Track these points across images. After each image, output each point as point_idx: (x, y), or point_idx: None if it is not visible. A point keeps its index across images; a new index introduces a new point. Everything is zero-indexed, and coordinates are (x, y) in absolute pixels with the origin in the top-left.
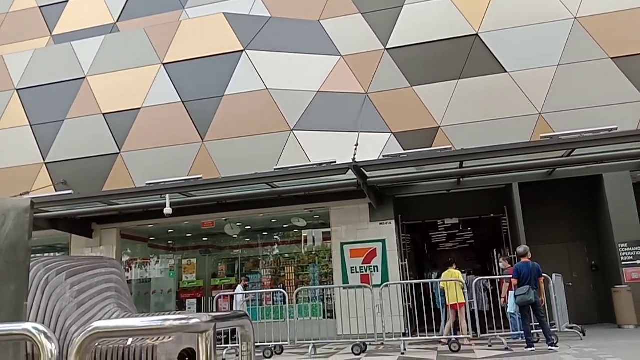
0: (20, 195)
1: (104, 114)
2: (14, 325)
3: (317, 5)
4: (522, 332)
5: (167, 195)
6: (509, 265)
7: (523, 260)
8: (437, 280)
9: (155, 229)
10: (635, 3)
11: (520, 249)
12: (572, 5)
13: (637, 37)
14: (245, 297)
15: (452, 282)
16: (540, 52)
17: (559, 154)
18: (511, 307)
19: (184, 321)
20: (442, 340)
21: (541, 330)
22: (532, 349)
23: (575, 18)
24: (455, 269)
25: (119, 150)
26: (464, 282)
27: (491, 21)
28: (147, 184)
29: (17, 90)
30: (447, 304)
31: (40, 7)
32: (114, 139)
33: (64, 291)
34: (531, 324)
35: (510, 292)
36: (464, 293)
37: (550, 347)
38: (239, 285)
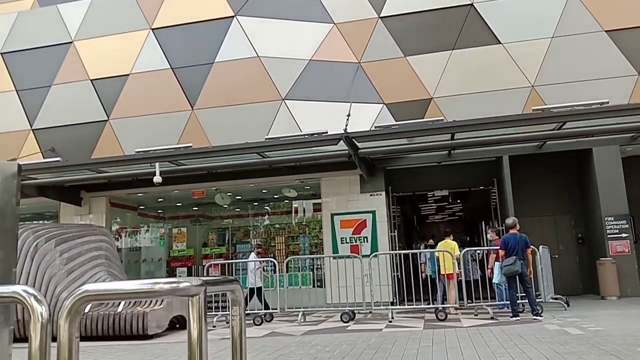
0: (7, 161)
1: (91, 80)
2: (3, 287)
3: None
4: (508, 302)
5: (157, 164)
6: (497, 237)
7: (511, 231)
8: (424, 250)
9: (145, 197)
10: None
11: (509, 221)
12: None
13: (632, 11)
14: (257, 265)
15: (446, 253)
16: (534, 24)
17: (550, 127)
18: (497, 278)
19: (174, 284)
20: (438, 308)
21: (526, 300)
22: (517, 318)
23: None
24: (452, 240)
25: (108, 117)
26: (459, 253)
27: None
28: (136, 151)
29: (1, 54)
30: (442, 273)
31: None
32: (102, 105)
33: (53, 258)
34: (517, 294)
35: (496, 262)
36: (453, 264)
37: (535, 317)
38: (252, 253)
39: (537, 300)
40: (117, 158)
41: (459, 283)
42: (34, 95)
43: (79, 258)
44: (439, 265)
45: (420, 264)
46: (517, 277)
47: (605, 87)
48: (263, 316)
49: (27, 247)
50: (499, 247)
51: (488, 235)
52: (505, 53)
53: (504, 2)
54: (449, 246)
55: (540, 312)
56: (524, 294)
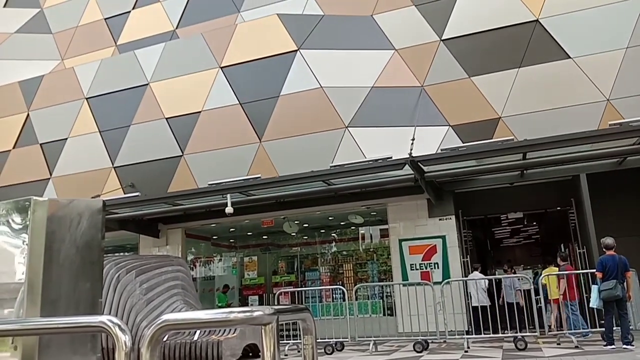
0: (92, 198)
1: (166, 118)
2: (91, 317)
3: (369, 0)
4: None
5: (228, 195)
6: (564, 263)
7: (609, 253)
8: (498, 277)
9: (217, 228)
10: None
11: (608, 240)
12: None
13: None
14: (486, 283)
15: (552, 277)
16: (606, 36)
17: (630, 141)
18: (594, 302)
19: (248, 314)
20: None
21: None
22: (613, 346)
23: None
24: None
25: (182, 152)
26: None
27: (552, 5)
28: (209, 184)
29: (86, 99)
30: (550, 298)
31: (105, 18)
32: (177, 141)
33: (134, 289)
34: (614, 321)
35: (594, 285)
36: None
37: (625, 346)
38: (475, 272)
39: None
40: (191, 191)
41: (539, 310)
42: (115, 135)
43: (158, 288)
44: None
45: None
46: (615, 302)
47: None
48: (334, 345)
49: (110, 279)
50: (595, 270)
51: (558, 260)
52: (576, 67)
53: (571, 15)
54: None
55: (632, 340)
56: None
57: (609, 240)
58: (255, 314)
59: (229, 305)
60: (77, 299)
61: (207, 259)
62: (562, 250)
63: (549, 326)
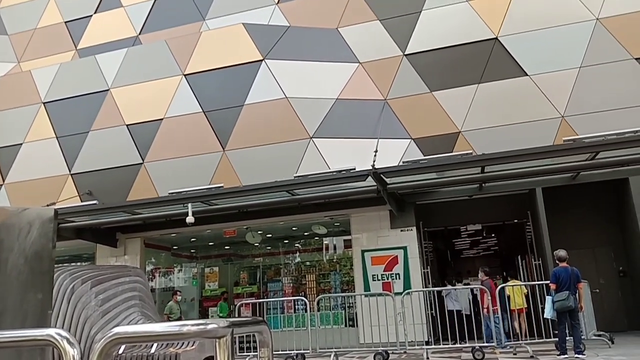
0: (47, 206)
1: (127, 125)
2: (38, 331)
3: (334, 13)
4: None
5: (189, 204)
6: (486, 277)
7: (562, 264)
8: (459, 287)
9: (178, 237)
10: None
11: (561, 252)
12: (594, 6)
13: None
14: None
15: (517, 288)
16: (561, 55)
17: (583, 157)
18: (548, 313)
19: (201, 327)
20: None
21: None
22: (566, 356)
23: (597, 19)
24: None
25: (142, 160)
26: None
27: (510, 24)
28: (169, 193)
29: (43, 103)
30: (513, 308)
31: (65, 22)
32: (137, 149)
33: (89, 300)
34: (566, 331)
35: (547, 296)
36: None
37: (577, 355)
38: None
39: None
40: (151, 200)
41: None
42: (73, 142)
43: (114, 299)
44: (509, 302)
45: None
46: (568, 313)
47: (638, 115)
48: (295, 357)
49: (64, 289)
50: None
51: (479, 275)
52: (533, 85)
53: (528, 35)
54: (516, 289)
55: (583, 350)
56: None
57: (561, 253)
58: (209, 326)
59: (229, 316)
60: (25, 311)
61: (167, 270)
62: (483, 268)
63: (516, 334)
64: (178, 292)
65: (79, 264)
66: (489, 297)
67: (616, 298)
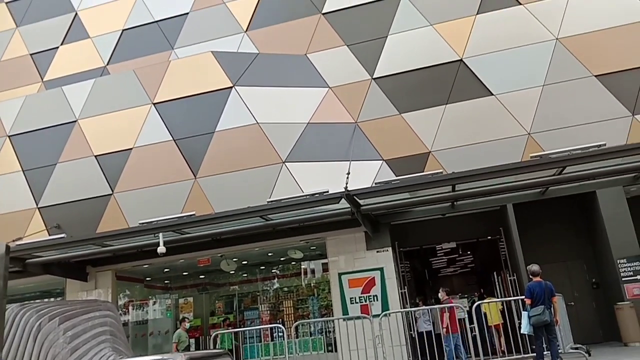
0: (13, 241)
1: (96, 156)
2: None
3: (303, 39)
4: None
5: (161, 234)
6: (447, 297)
7: (535, 279)
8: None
9: (151, 269)
10: (613, 22)
11: (534, 267)
12: (553, 26)
13: (618, 55)
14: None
15: (493, 305)
16: (524, 74)
17: (551, 172)
18: (525, 328)
19: None
20: None
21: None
22: None
23: (557, 39)
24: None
25: (112, 191)
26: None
27: (474, 46)
28: (139, 223)
29: (8, 136)
30: (490, 324)
31: (31, 54)
32: (107, 180)
33: (57, 337)
34: (543, 345)
35: (523, 312)
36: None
37: None
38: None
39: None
40: (121, 231)
41: (474, 337)
42: (40, 175)
43: (84, 335)
44: (486, 319)
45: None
46: (544, 327)
47: (601, 129)
48: None
49: (30, 327)
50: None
51: (439, 295)
52: (499, 104)
53: (492, 56)
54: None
55: None
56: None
57: (534, 267)
58: None
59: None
60: None
61: (140, 302)
62: (444, 288)
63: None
64: (186, 319)
65: (48, 300)
66: (448, 318)
67: (591, 310)
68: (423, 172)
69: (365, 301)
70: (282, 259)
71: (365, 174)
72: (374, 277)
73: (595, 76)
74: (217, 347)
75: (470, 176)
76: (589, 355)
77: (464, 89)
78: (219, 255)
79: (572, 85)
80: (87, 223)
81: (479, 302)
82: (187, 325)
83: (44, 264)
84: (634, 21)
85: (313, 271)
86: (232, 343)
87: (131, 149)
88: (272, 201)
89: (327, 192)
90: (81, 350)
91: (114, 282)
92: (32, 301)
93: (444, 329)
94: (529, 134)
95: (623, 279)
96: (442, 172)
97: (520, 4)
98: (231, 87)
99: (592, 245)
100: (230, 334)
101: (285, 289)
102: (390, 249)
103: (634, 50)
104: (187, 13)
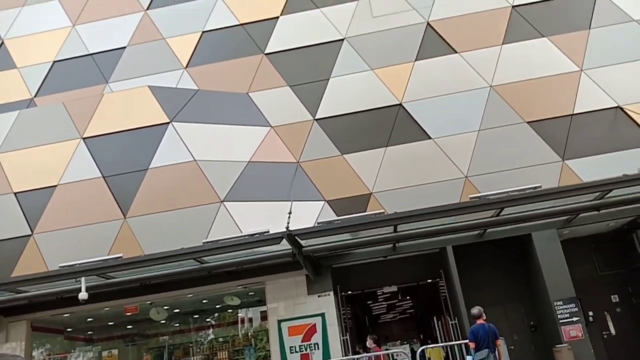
0: None
1: (15, 193)
2: None
3: (245, 78)
4: None
5: (83, 278)
6: (375, 345)
7: (478, 322)
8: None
9: (72, 318)
10: (542, 73)
11: (474, 310)
12: (487, 74)
13: (547, 103)
14: None
15: (437, 349)
16: (461, 119)
17: (489, 214)
18: None
19: None
20: None
21: None
22: None
23: (491, 86)
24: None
25: (31, 231)
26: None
27: (413, 91)
28: (60, 266)
29: None
30: None
31: None
32: (26, 219)
33: None
34: None
35: (468, 356)
36: None
37: None
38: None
39: None
40: (38, 275)
41: None
42: None
43: None
44: None
45: None
46: None
47: (535, 174)
48: None
49: None
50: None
51: (367, 343)
52: (437, 147)
53: (429, 101)
54: (435, 350)
55: None
56: None
57: (475, 310)
58: None
59: None
60: None
61: (60, 356)
62: (371, 335)
63: None
64: None
65: None
66: None
67: (530, 353)
68: (365, 212)
69: (306, 350)
70: (217, 306)
71: (307, 215)
72: (315, 324)
73: (527, 122)
74: None
75: (412, 216)
76: None
77: (403, 132)
78: (148, 302)
79: (506, 130)
80: (1, 267)
81: (423, 347)
82: None
83: None
84: (561, 72)
85: (251, 320)
86: None
87: (55, 186)
88: (208, 242)
89: (268, 232)
90: None
91: (29, 334)
92: None
93: None
94: (466, 177)
95: (560, 321)
96: (383, 213)
97: (457, 52)
98: (168, 123)
99: (529, 287)
100: None
101: (221, 339)
102: (332, 293)
103: (562, 100)
104: (125, 47)
